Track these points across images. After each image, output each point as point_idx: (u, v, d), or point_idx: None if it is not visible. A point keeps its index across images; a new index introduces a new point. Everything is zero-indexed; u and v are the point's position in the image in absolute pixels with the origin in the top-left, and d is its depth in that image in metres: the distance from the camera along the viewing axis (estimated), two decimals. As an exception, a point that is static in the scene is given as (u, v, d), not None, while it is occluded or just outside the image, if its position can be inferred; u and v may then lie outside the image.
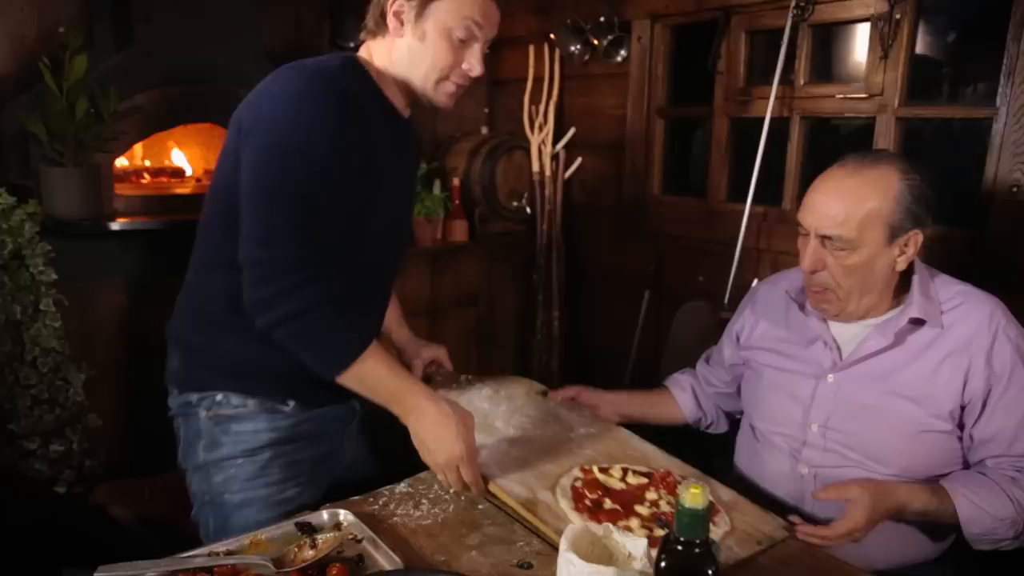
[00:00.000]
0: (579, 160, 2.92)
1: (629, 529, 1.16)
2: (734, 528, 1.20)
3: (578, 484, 1.27)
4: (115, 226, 2.21)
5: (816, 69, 2.26)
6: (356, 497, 1.30)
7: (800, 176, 2.31)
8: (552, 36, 2.84)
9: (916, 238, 1.32)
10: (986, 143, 1.84)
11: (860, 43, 2.12)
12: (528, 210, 3.00)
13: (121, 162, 2.56)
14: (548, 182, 2.91)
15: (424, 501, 1.29)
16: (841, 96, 2.14)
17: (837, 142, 2.33)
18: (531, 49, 2.94)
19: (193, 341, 1.38)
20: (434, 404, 1.22)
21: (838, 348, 1.41)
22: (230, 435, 1.33)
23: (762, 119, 2.24)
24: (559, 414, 1.55)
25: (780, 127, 2.28)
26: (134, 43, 2.32)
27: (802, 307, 1.46)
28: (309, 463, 1.39)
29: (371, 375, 1.22)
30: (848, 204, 1.29)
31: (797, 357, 1.46)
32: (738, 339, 1.62)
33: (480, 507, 1.27)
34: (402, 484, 1.35)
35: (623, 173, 2.80)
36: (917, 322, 1.33)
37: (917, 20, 1.99)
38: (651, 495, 1.26)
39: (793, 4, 2.17)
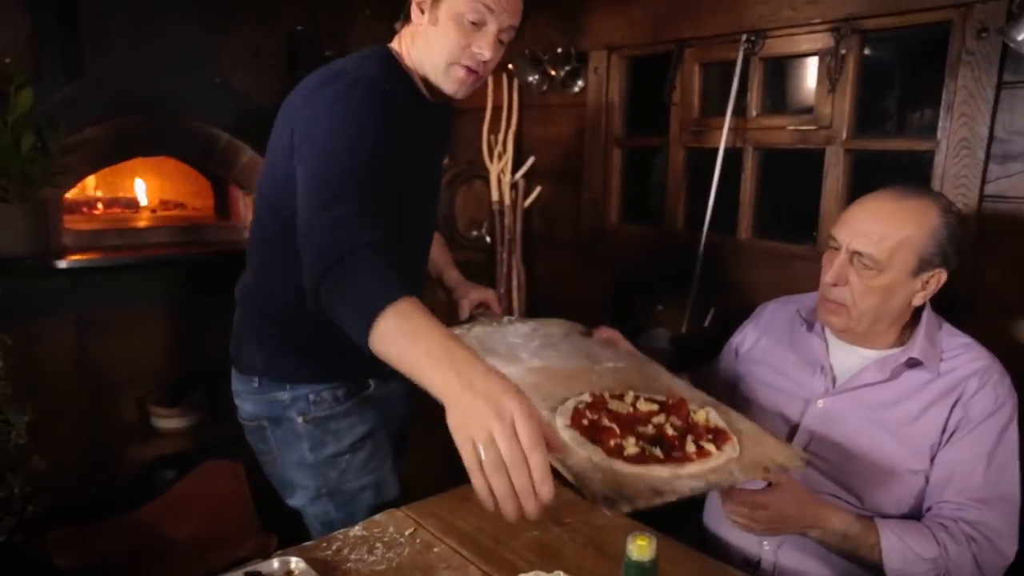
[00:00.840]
0: (538, 189, 2.94)
1: (622, 447, 1.06)
2: (742, 455, 1.12)
3: (581, 406, 1.21)
4: (62, 264, 2.15)
5: (769, 101, 2.31)
6: (308, 543, 1.27)
7: (754, 206, 2.35)
8: (510, 66, 2.86)
9: (940, 276, 1.35)
10: (929, 174, 1.89)
11: (810, 76, 2.17)
12: (488, 239, 3.00)
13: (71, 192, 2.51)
14: (508, 211, 2.92)
15: (379, 545, 1.26)
16: (792, 128, 2.19)
17: (790, 172, 2.37)
18: (489, 78, 2.95)
19: (272, 333, 1.45)
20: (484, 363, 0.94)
21: (833, 376, 1.43)
22: (331, 433, 1.45)
23: (717, 149, 2.28)
24: (591, 351, 1.49)
25: (735, 157, 2.32)
26: (84, 74, 2.28)
27: (810, 327, 1.49)
28: (395, 436, 1.58)
29: (413, 323, 0.94)
30: (886, 226, 1.31)
31: (792, 378, 1.49)
32: (737, 352, 1.65)
33: (436, 550, 1.25)
34: (356, 528, 1.32)
35: (581, 202, 2.82)
36: (915, 363, 1.35)
37: (862, 55, 2.04)
38: (657, 419, 1.18)
39: (744, 38, 2.22)
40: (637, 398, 1.26)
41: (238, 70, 2.65)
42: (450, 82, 1.36)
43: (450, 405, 0.86)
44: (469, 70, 1.34)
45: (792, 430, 1.43)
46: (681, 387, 1.36)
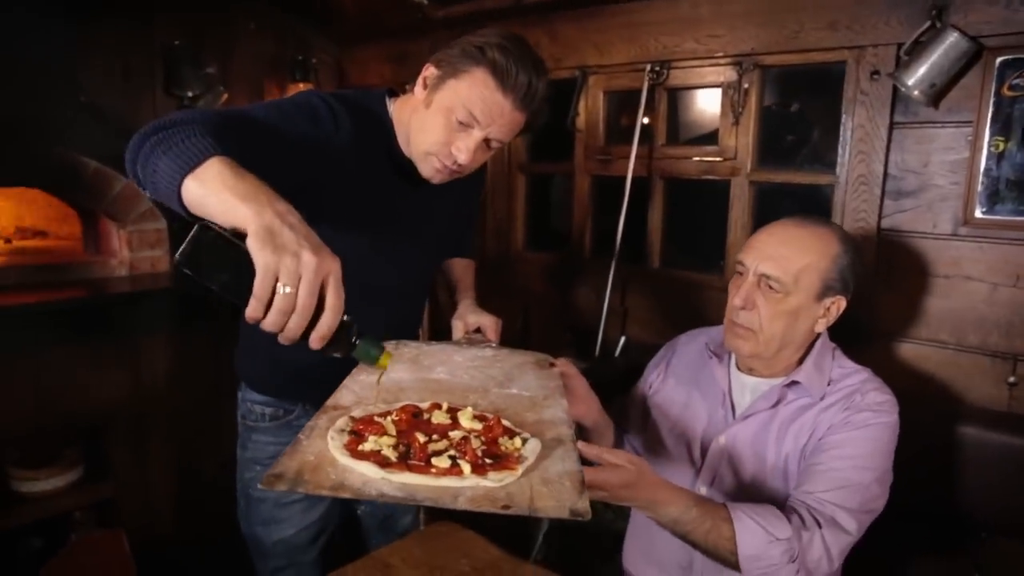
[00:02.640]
0: (441, 214, 2.84)
1: (362, 441, 0.99)
2: (509, 487, 0.92)
3: (394, 408, 1.10)
4: None
5: (677, 130, 2.32)
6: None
7: (663, 234, 2.36)
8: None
9: (839, 303, 1.38)
10: (830, 207, 1.95)
11: (716, 107, 2.20)
12: (390, 266, 2.88)
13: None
14: (410, 237, 2.80)
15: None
16: (698, 159, 2.21)
17: (698, 201, 2.40)
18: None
19: (242, 331, 1.60)
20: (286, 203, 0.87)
21: (733, 409, 1.43)
22: (252, 442, 1.60)
23: (624, 177, 2.27)
24: (528, 381, 1.31)
25: (644, 185, 2.32)
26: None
27: (719, 357, 1.49)
28: None
29: (239, 171, 0.88)
30: (791, 250, 1.34)
31: (697, 415, 1.48)
32: (648, 390, 1.63)
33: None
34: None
35: (486, 228, 2.75)
36: (796, 385, 1.37)
37: (763, 89, 2.09)
38: (456, 433, 1.04)
39: (648, 68, 2.23)
40: (459, 414, 1.10)
41: (106, 90, 2.40)
42: (425, 168, 1.36)
43: (259, 231, 0.80)
44: (444, 165, 1.34)
45: (697, 470, 1.44)
46: (557, 420, 1.13)
